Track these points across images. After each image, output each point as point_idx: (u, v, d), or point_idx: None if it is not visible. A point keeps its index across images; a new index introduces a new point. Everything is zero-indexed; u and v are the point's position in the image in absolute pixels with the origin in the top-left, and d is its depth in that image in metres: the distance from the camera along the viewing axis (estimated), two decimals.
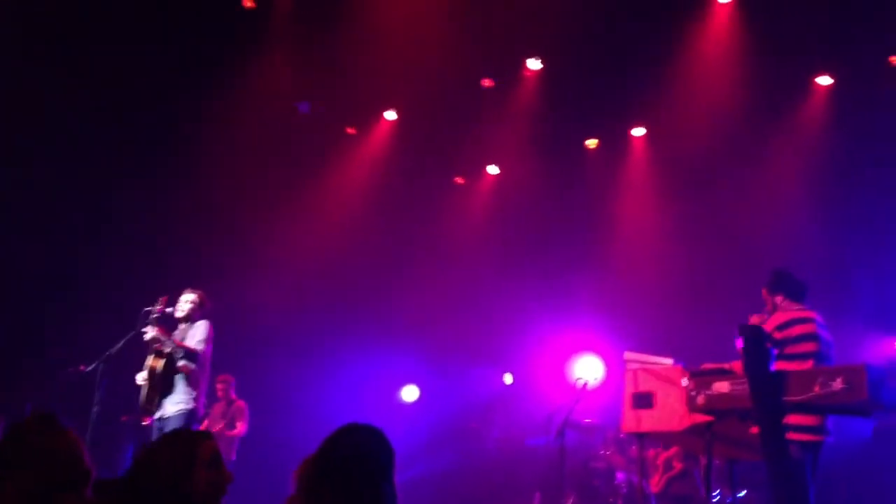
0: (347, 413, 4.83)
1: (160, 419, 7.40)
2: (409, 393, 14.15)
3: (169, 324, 7.68)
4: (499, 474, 12.14)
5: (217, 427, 10.26)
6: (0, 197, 10.12)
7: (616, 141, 12.82)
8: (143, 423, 7.64)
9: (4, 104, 9.75)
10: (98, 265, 11.03)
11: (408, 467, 12.39)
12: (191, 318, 7.71)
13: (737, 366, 5.96)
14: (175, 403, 7.40)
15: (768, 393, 5.49)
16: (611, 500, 9.76)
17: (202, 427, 8.33)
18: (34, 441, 3.37)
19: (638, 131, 12.67)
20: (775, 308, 6.45)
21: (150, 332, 7.36)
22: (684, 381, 6.15)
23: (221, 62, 11.08)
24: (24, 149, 10.33)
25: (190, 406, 7.39)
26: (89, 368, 7.79)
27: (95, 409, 7.47)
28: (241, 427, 10.58)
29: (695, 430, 6.36)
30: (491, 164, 13.58)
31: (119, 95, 10.71)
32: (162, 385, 7.42)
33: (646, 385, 6.76)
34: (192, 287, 7.90)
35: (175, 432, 3.55)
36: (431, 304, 12.87)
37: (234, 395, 10.73)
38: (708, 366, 6.29)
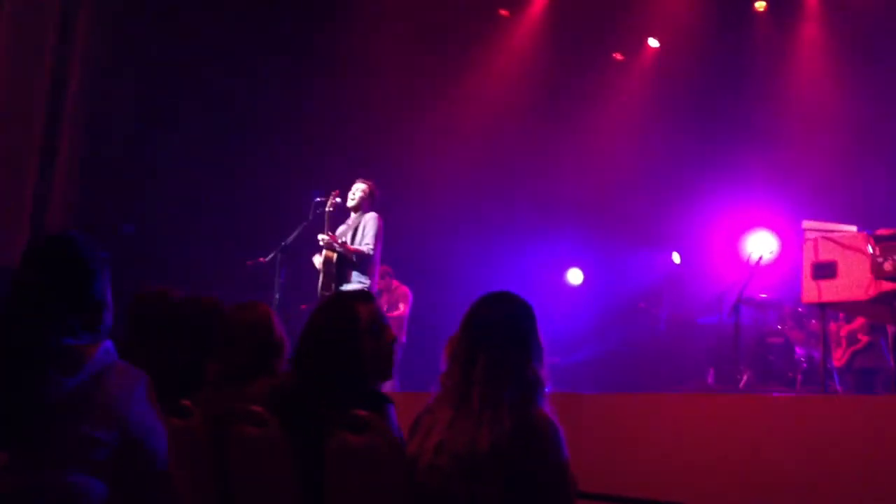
0: None
1: None
2: (574, 276, 14.09)
3: (340, 215, 7.93)
4: (670, 353, 12.02)
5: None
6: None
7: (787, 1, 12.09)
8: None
9: None
10: (274, 156, 11.40)
11: (576, 349, 12.45)
12: (361, 207, 7.93)
13: None
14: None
15: None
16: (790, 374, 9.54)
17: None
18: (233, 318, 3.58)
19: None
20: None
21: (322, 238, 7.64)
22: (870, 248, 5.88)
23: None
24: None
25: None
26: (268, 259, 8.17)
27: (276, 296, 7.84)
28: (404, 308, 10.74)
29: (882, 298, 6.10)
30: (651, 36, 13.07)
31: None
32: (337, 274, 7.70)
33: (827, 254, 6.48)
34: (363, 177, 8.08)
35: (335, 295, 3.57)
36: (594, 183, 12.67)
37: (395, 283, 10.90)
38: (883, 231, 6.01)
